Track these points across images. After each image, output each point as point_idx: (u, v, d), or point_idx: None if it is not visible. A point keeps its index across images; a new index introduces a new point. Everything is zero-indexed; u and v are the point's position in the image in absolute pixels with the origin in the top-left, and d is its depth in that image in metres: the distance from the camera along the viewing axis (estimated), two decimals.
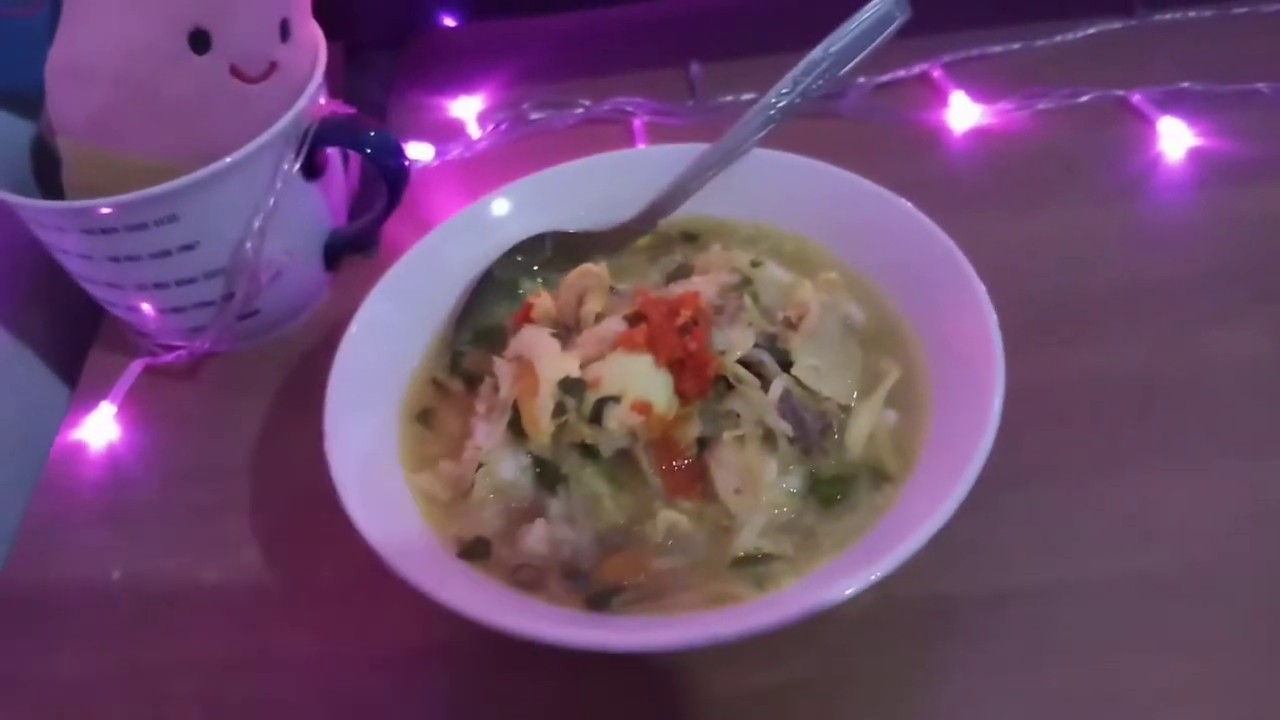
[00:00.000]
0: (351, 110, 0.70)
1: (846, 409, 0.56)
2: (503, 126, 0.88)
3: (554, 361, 0.53)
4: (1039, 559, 0.54)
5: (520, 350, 0.56)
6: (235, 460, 0.67)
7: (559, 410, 0.53)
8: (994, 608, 0.53)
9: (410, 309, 0.63)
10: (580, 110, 0.88)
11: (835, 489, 0.52)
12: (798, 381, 0.55)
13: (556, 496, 0.53)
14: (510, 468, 0.54)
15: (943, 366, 0.55)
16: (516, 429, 0.54)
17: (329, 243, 0.73)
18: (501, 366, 0.56)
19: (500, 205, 0.67)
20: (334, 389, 0.55)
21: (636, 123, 0.86)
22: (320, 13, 0.69)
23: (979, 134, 0.80)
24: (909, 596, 0.53)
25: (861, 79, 0.85)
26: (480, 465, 0.54)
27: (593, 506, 0.53)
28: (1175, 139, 0.77)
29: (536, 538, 0.52)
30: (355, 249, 0.77)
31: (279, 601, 0.59)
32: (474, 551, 0.52)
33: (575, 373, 0.53)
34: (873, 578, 0.46)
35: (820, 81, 0.64)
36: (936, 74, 0.86)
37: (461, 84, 0.93)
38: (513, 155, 0.86)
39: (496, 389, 0.56)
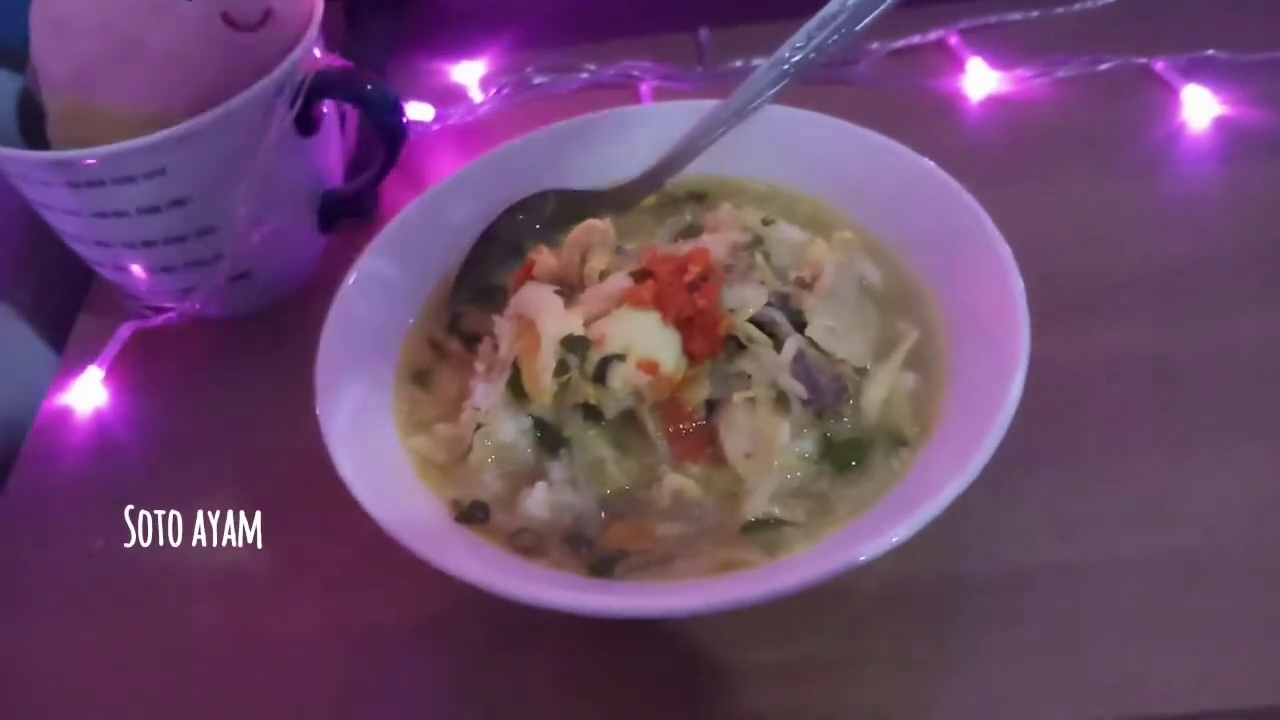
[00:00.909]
0: (348, 64, 0.67)
1: (862, 372, 0.53)
2: (505, 91, 0.86)
3: (556, 318, 0.51)
4: (1059, 540, 0.52)
5: (521, 308, 0.53)
6: (227, 428, 0.65)
7: (561, 369, 0.50)
8: (1013, 588, 0.51)
9: (408, 266, 0.60)
10: (585, 75, 0.86)
11: (850, 454, 0.50)
12: (812, 343, 0.52)
13: (558, 460, 0.51)
14: (510, 429, 0.51)
15: (963, 331, 0.53)
16: (517, 389, 0.52)
17: (324, 204, 0.71)
18: (502, 324, 0.54)
19: (502, 163, 0.65)
20: (326, 349, 0.53)
21: (644, 88, 0.84)
22: None
23: (996, 102, 0.78)
24: (926, 575, 0.51)
25: (875, 45, 0.83)
26: (479, 426, 0.52)
27: (596, 470, 0.51)
28: (1200, 108, 0.74)
29: (537, 501, 0.49)
30: (352, 212, 0.74)
31: (272, 575, 0.57)
32: (472, 515, 0.50)
33: (579, 330, 0.51)
34: (890, 543, 0.44)
35: (836, 36, 0.61)
36: (953, 40, 0.83)
37: (464, 48, 0.91)
38: (515, 119, 0.84)
39: (496, 348, 0.54)
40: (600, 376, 0.50)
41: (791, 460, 0.50)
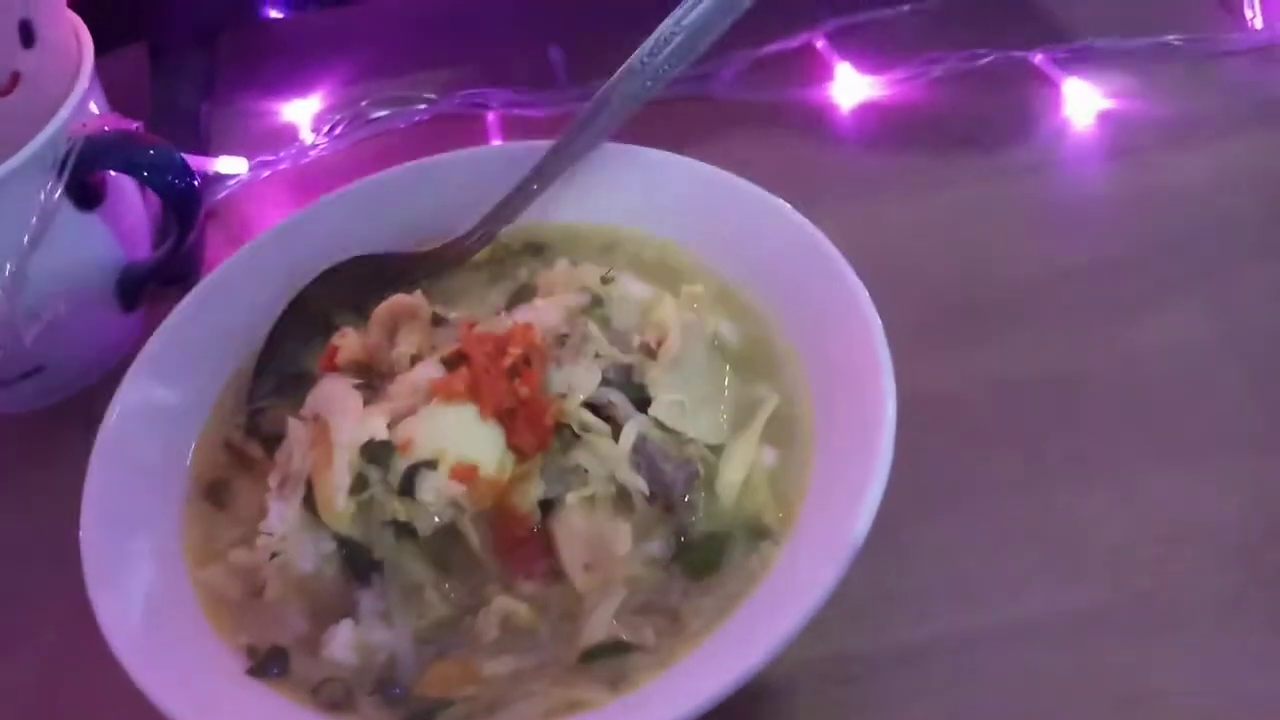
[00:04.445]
0: (129, 124, 0.59)
1: (717, 450, 0.47)
2: (338, 130, 0.78)
3: (353, 421, 0.44)
4: (957, 603, 0.48)
5: (317, 407, 0.46)
6: (18, 540, 0.57)
7: (360, 484, 0.43)
8: (909, 664, 0.47)
9: (192, 366, 0.53)
10: (425, 106, 0.78)
11: (705, 554, 0.44)
12: (657, 423, 0.46)
13: (369, 589, 0.44)
14: (310, 556, 0.44)
15: (827, 389, 0.48)
16: (315, 507, 0.44)
17: (124, 280, 0.62)
18: (296, 427, 0.46)
19: (308, 225, 0.57)
20: (91, 497, 0.46)
21: (491, 116, 0.78)
22: (113, 7, 0.58)
23: (869, 109, 0.74)
24: (808, 659, 0.46)
25: (737, 52, 0.76)
26: (274, 555, 0.44)
27: (412, 598, 0.44)
28: (1083, 102, 0.71)
29: (342, 644, 0.42)
30: (167, 281, 0.65)
31: None
32: (268, 666, 0.43)
33: (381, 434, 0.44)
34: (749, 668, 0.37)
35: (670, 64, 0.54)
36: (820, 44, 0.78)
37: (293, 84, 0.83)
38: (352, 161, 0.77)
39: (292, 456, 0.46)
40: (409, 489, 0.43)
41: (637, 569, 0.44)
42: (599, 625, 0.42)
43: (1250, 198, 0.64)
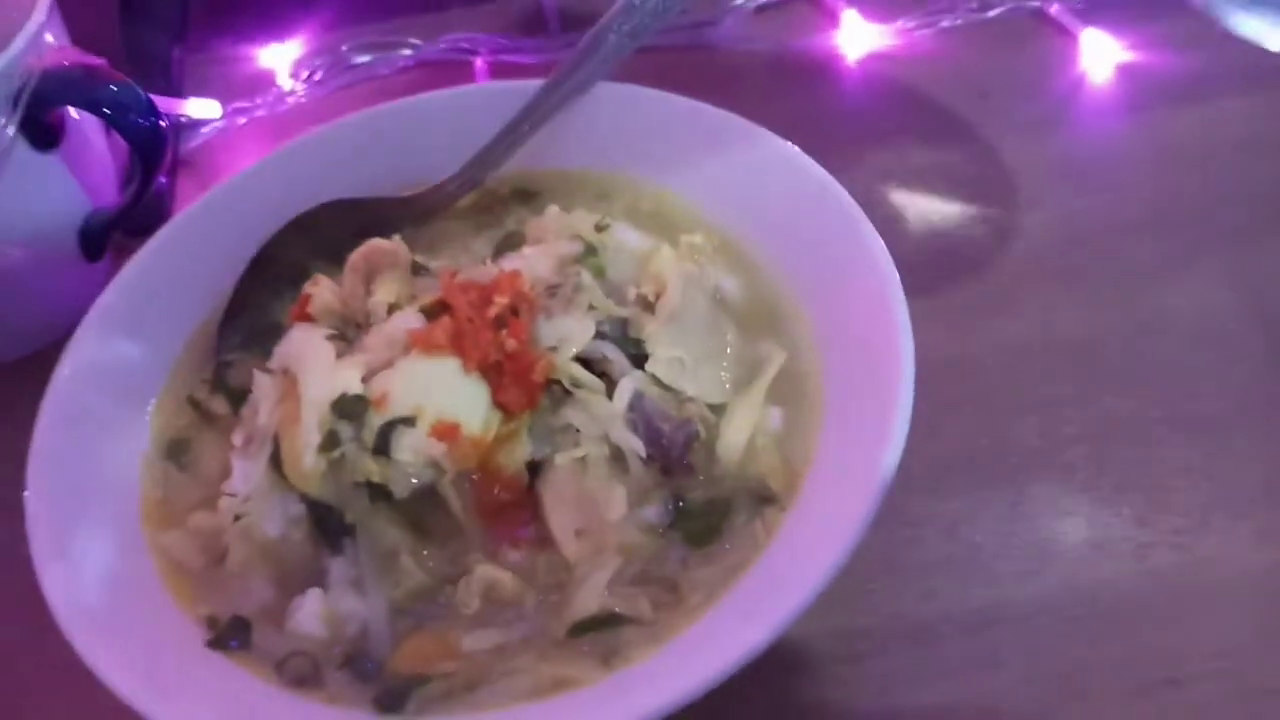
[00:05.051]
0: (91, 60, 0.55)
1: (719, 410, 0.44)
2: (318, 76, 0.75)
3: (323, 374, 0.40)
4: (969, 579, 0.46)
5: (285, 359, 0.42)
6: None
7: (331, 442, 0.39)
8: (919, 643, 0.44)
9: (153, 316, 0.49)
10: (410, 51, 0.74)
11: (705, 521, 0.41)
12: (655, 380, 0.43)
13: (340, 555, 0.41)
14: (276, 520, 0.41)
15: (837, 349, 0.45)
16: (282, 466, 0.40)
17: (86, 227, 0.59)
18: (263, 381, 0.43)
19: (282, 169, 0.53)
20: (39, 453, 0.42)
21: (479, 63, 0.75)
22: None
23: (876, 60, 0.71)
24: (812, 633, 0.44)
25: (739, 1, 0.73)
26: (237, 518, 0.40)
27: (387, 566, 0.41)
28: (1100, 54, 0.69)
29: (309, 615, 0.39)
30: (134, 231, 0.61)
31: None
32: (228, 638, 0.40)
33: (354, 388, 0.40)
34: (748, 646, 0.35)
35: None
36: None
37: (272, 29, 0.79)
38: (332, 109, 0.74)
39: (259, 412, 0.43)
40: (384, 447, 0.39)
41: (632, 536, 0.41)
42: (590, 596, 0.40)
43: (1273, 159, 0.62)
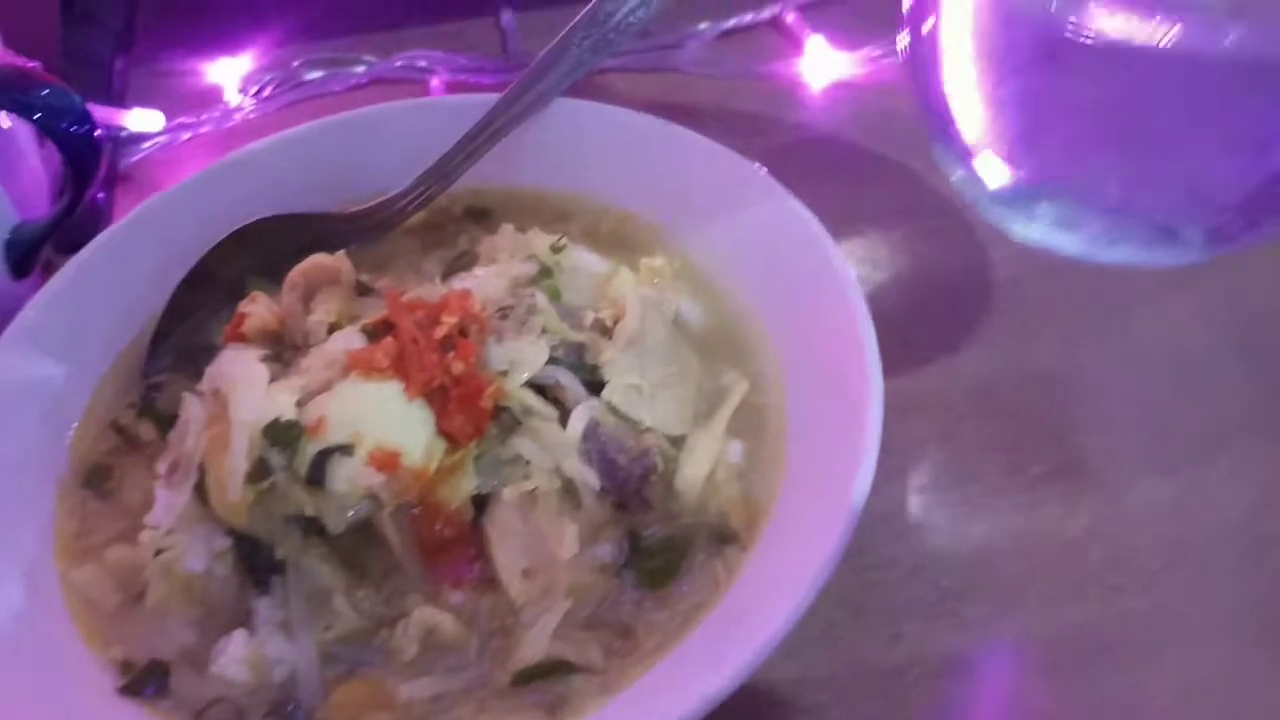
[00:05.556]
0: (23, 62, 0.52)
1: (678, 441, 0.42)
2: (267, 91, 0.72)
3: (255, 397, 0.37)
4: (936, 622, 0.44)
5: (216, 381, 0.39)
6: None
7: (261, 470, 0.36)
8: (882, 691, 0.42)
9: (78, 335, 0.47)
10: (363, 69, 0.72)
11: (662, 560, 0.39)
12: (611, 408, 0.41)
13: (269, 594, 0.38)
14: (199, 554, 0.38)
15: (802, 380, 0.43)
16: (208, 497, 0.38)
17: (13, 240, 0.56)
18: (191, 404, 0.40)
19: (218, 184, 0.51)
20: None
21: (435, 82, 0.73)
22: None
23: (842, 88, 0.70)
24: (769, 681, 0.42)
25: (704, 24, 0.74)
26: (158, 552, 0.38)
27: (318, 607, 0.38)
28: None
29: (232, 659, 0.37)
30: (66, 247, 0.58)
31: None
32: (143, 684, 0.37)
33: (288, 412, 0.38)
34: (704, 697, 0.33)
35: (637, 15, 0.49)
36: (790, 18, 0.74)
37: (223, 43, 0.77)
38: (280, 125, 0.69)
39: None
40: (318, 477, 0.36)
41: (583, 576, 0.38)
42: (537, 642, 0.37)
43: None
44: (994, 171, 0.43)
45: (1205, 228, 0.41)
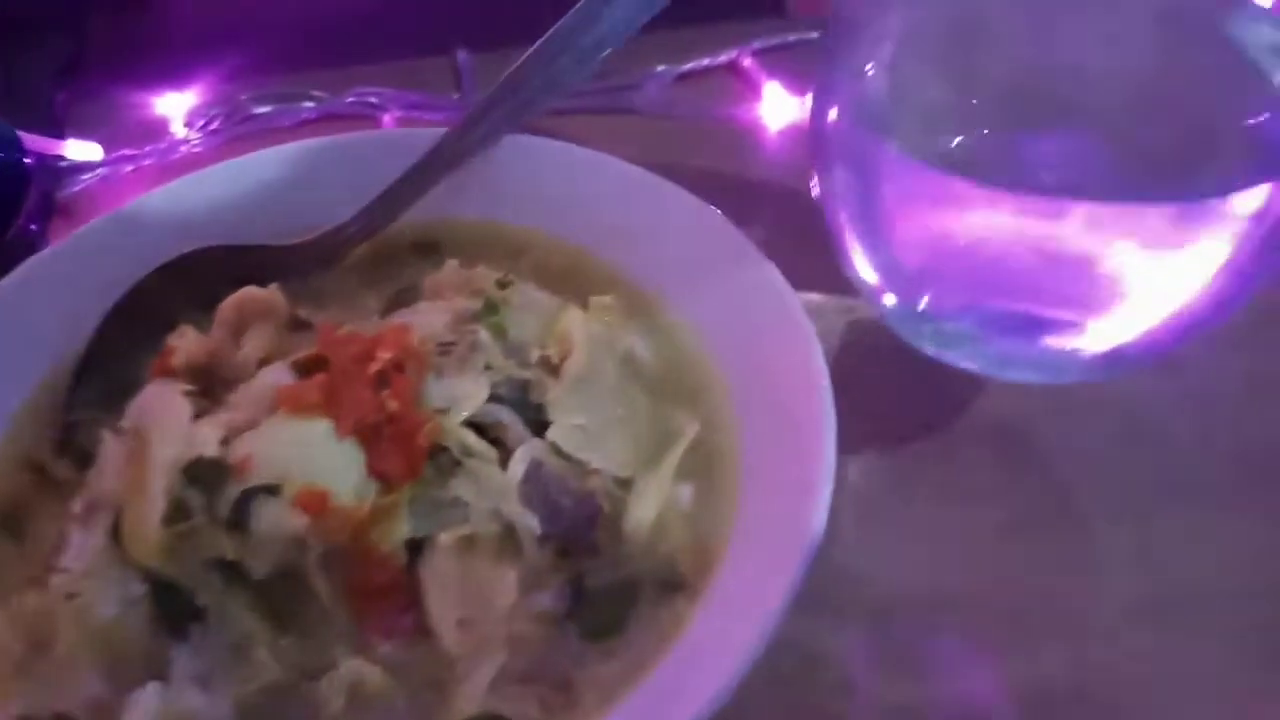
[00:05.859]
0: None
1: (626, 484, 0.40)
2: (214, 125, 0.71)
3: (176, 434, 0.35)
4: (892, 676, 0.43)
5: (136, 416, 0.37)
6: None
7: (179, 512, 0.34)
8: None
9: None
10: (313, 104, 0.71)
11: (607, 610, 0.37)
12: (555, 449, 0.39)
13: (186, 644, 0.35)
14: (112, 600, 0.35)
15: (755, 422, 0.41)
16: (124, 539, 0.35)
17: None
18: (109, 442, 0.38)
19: (151, 214, 0.49)
20: None
21: (386, 119, 0.72)
22: None
23: (799, 131, 0.69)
24: None
25: (661, 67, 0.73)
26: (69, 597, 0.35)
27: (239, 659, 0.35)
28: None
29: (144, 713, 0.34)
30: None
31: None
32: None
33: (210, 450, 0.35)
34: None
35: (596, 48, 0.49)
36: (747, 62, 0.73)
37: (171, 76, 0.75)
38: (226, 159, 0.68)
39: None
40: (241, 519, 0.34)
41: (522, 627, 0.36)
42: (471, 696, 0.35)
43: None
44: (886, 297, 0.45)
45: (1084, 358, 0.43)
